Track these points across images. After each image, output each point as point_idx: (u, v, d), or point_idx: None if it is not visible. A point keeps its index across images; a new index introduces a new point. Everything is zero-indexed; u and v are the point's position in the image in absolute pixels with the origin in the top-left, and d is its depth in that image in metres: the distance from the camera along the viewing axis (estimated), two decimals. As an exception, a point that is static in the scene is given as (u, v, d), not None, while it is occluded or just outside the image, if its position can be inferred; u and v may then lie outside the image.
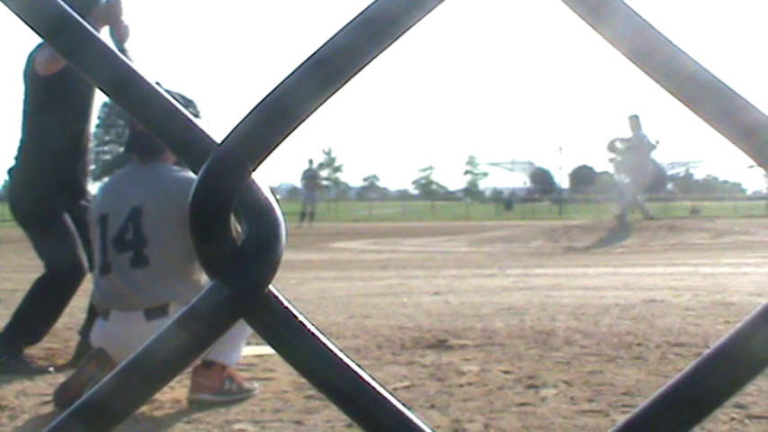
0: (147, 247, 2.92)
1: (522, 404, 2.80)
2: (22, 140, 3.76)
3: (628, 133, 13.54)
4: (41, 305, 3.73)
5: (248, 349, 3.69)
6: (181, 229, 2.83)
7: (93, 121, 3.96)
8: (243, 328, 2.76)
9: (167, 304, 2.89)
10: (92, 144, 4.01)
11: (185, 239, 2.76)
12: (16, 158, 3.77)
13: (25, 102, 3.75)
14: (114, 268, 2.96)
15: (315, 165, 24.09)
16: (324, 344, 0.36)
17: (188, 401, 2.85)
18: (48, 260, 3.71)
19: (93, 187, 4.08)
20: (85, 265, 3.66)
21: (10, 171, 3.79)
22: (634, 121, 13.37)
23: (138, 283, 2.92)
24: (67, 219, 3.72)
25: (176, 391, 2.98)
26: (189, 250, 2.78)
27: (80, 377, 2.85)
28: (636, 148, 13.20)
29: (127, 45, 3.64)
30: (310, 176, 24.06)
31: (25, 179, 3.73)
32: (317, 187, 24.62)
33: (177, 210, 2.85)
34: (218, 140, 0.38)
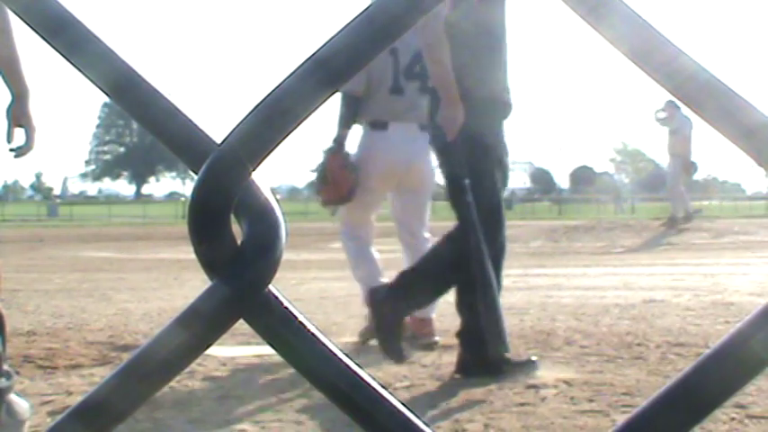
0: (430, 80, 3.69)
1: (522, 404, 2.80)
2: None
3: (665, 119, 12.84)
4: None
5: (248, 349, 3.69)
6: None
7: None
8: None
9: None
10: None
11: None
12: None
13: None
14: (406, 92, 3.96)
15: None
16: (324, 344, 0.36)
17: (424, 346, 3.76)
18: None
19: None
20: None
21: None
22: (671, 106, 12.51)
23: (421, 105, 3.77)
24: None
25: (176, 391, 2.98)
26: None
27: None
28: (678, 131, 12.63)
29: None
30: None
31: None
32: None
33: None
34: (218, 140, 0.38)
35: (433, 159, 4.00)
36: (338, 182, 4.11)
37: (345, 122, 4.07)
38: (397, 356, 3.29)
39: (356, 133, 4.16)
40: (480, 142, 3.24)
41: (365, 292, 3.95)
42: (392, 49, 3.87)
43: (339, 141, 4.08)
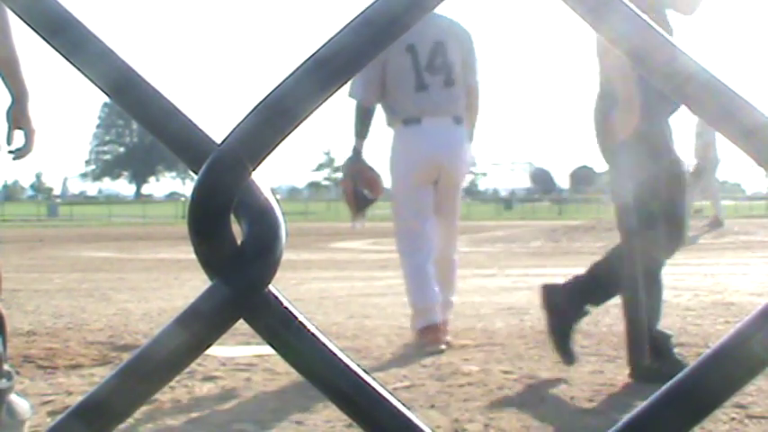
0: (453, 72, 3.96)
1: (522, 404, 2.80)
2: None
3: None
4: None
5: (248, 349, 3.69)
6: (463, 60, 4.03)
7: None
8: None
9: (463, 116, 4.02)
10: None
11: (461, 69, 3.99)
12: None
13: None
14: (432, 87, 3.92)
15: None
16: (324, 344, 0.36)
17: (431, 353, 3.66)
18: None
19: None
20: None
21: None
22: None
23: (448, 98, 3.95)
24: None
25: (176, 391, 2.98)
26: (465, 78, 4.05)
27: None
28: (701, 135, 12.96)
29: None
30: None
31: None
32: None
33: (462, 47, 4.03)
34: (218, 140, 0.38)
35: (467, 153, 4.09)
36: (347, 192, 4.09)
37: (360, 133, 4.00)
38: (569, 358, 3.25)
39: (387, 136, 4.10)
40: (645, 144, 3.11)
41: (417, 321, 3.86)
42: (409, 45, 3.87)
43: (356, 152, 4.03)
